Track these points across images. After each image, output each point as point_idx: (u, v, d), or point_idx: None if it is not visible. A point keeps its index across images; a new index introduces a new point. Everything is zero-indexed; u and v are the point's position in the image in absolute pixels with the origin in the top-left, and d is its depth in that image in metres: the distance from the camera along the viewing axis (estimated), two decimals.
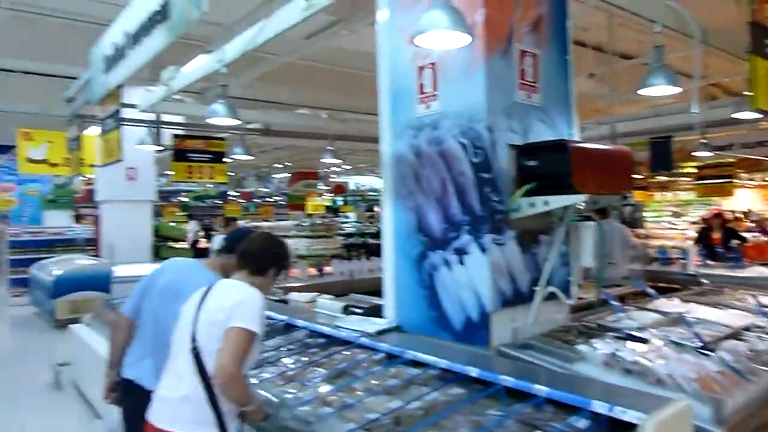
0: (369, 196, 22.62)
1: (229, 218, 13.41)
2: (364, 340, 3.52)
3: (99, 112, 5.13)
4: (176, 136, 7.95)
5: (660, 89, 4.22)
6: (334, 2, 3.15)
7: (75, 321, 8.80)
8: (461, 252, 3.35)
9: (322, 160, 8.85)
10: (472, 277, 3.29)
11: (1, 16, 7.93)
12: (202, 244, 14.32)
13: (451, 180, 3.42)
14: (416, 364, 3.09)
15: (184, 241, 11.36)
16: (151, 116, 7.40)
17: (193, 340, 2.29)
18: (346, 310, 4.31)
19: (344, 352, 3.45)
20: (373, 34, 6.69)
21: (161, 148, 7.59)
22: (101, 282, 9.01)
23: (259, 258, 2.50)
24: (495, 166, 3.25)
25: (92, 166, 12.56)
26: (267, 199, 24.43)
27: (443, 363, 2.94)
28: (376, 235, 14.20)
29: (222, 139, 8.31)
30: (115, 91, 4.32)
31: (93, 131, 13.81)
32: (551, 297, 3.54)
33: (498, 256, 3.25)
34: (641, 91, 4.26)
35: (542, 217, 3.42)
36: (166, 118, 8.36)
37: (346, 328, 3.76)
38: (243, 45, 3.71)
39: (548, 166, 3.20)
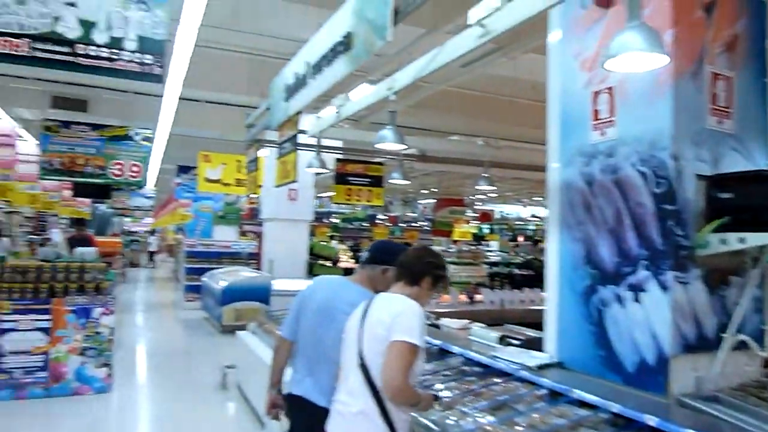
0: (516, 225, 22.13)
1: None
2: (524, 374, 3.39)
3: (277, 137, 5.56)
4: (338, 160, 8.41)
5: None
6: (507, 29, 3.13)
7: (239, 327, 9.62)
8: (637, 288, 3.10)
9: (476, 187, 8.83)
10: (649, 316, 3.03)
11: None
12: (350, 263, 14.95)
13: (628, 210, 3.20)
14: (582, 404, 2.91)
15: (338, 260, 11.90)
16: (313, 140, 8.01)
17: (360, 356, 2.35)
18: (503, 341, 4.19)
19: (503, 384, 3.35)
20: (530, 61, 6.59)
21: (328, 171, 8.04)
22: (262, 293, 9.72)
23: (413, 267, 2.51)
24: (680, 197, 2.99)
25: (260, 186, 13.73)
26: (413, 224, 24.89)
27: (615, 407, 2.73)
28: (521, 265, 13.80)
29: (380, 163, 8.65)
30: (294, 118, 4.69)
31: (262, 154, 15.16)
32: (741, 346, 3.14)
33: (681, 296, 2.96)
34: None
35: (733, 256, 3.07)
36: (325, 142, 8.96)
37: (504, 360, 3.65)
38: (414, 73, 3.82)
39: (746, 199, 2.88)
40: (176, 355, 8.24)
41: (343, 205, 27.74)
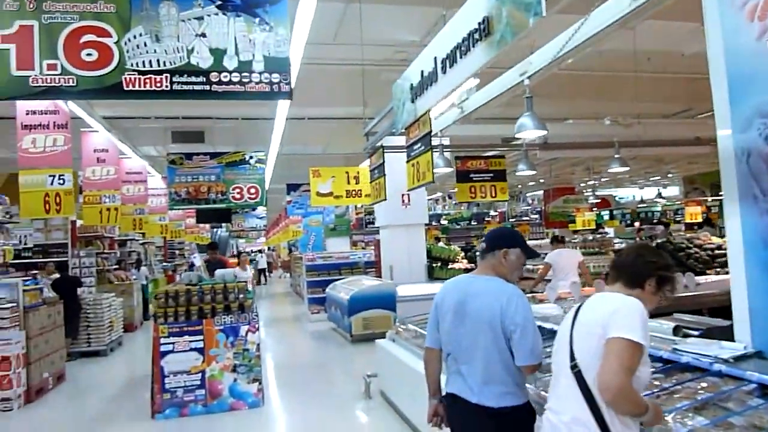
0: (639, 208, 20.68)
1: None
2: (720, 367, 3.03)
3: (404, 141, 5.48)
4: (457, 157, 8.26)
5: None
6: None
7: (369, 336, 9.71)
8: None
9: (610, 170, 8.28)
10: None
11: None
12: (463, 264, 14.69)
13: None
14: None
15: (455, 261, 11.71)
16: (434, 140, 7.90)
17: (572, 358, 2.15)
18: (678, 331, 3.80)
19: (699, 381, 3.00)
20: (645, 30, 6.02)
21: (451, 169, 7.90)
22: (388, 300, 9.73)
23: (633, 268, 2.27)
24: None
25: (367, 196, 13.84)
26: (523, 218, 24.16)
27: None
28: None
29: (502, 157, 8.39)
30: (423, 117, 4.58)
31: (366, 163, 15.33)
32: None
33: None
34: None
35: None
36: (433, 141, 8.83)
37: (691, 353, 3.30)
38: (552, 53, 3.57)
39: None
40: (314, 367, 8.40)
41: (446, 207, 27.57)
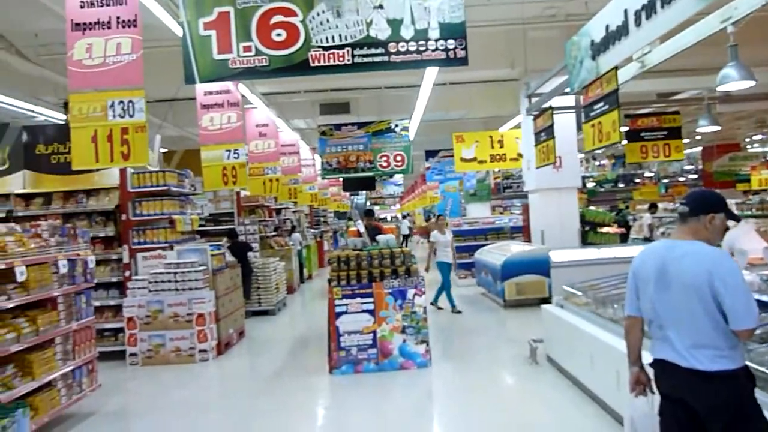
0: None
1: (652, 204, 12.73)
2: None
3: (580, 100, 5.26)
4: (626, 115, 7.78)
5: None
6: None
7: (522, 302, 9.65)
8: None
9: None
10: None
11: None
12: (613, 228, 13.93)
13: None
14: None
15: (609, 225, 11.17)
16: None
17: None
18: None
19: None
20: None
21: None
22: (541, 266, 9.53)
23: None
24: None
25: (517, 157, 13.55)
26: (678, 179, 22.35)
27: None
28: None
29: (677, 113, 7.77)
30: (608, 74, 4.35)
31: (506, 127, 14.97)
32: None
33: None
34: None
35: None
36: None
37: None
38: None
39: None
40: (471, 331, 8.53)
41: (588, 168, 26.18)
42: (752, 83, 3.96)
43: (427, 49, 4.34)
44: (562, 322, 5.79)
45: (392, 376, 6.29)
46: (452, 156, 18.68)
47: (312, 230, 19.47)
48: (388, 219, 37.52)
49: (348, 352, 6.43)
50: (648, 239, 12.06)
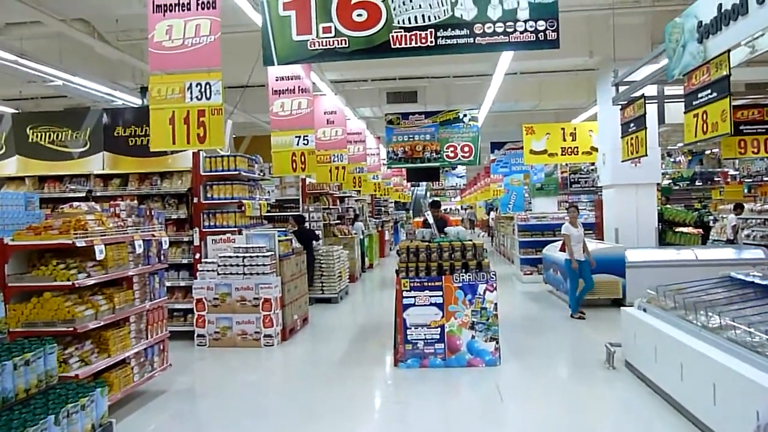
0: None
1: (738, 204, 11.91)
2: None
3: (682, 87, 4.85)
4: None
5: None
6: None
7: (594, 302, 9.20)
8: None
9: None
10: None
11: None
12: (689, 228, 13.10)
13: None
14: None
15: (690, 225, 10.53)
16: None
17: None
18: None
19: None
20: None
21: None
22: (617, 265, 9.07)
23: None
24: None
25: (590, 150, 12.99)
26: (765, 179, 20.86)
27: None
28: None
29: None
30: (718, 59, 3.96)
31: (579, 119, 14.36)
32: None
33: None
34: None
35: None
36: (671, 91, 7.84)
37: None
38: None
39: None
40: (541, 330, 8.20)
41: (663, 165, 24.89)
42: None
43: (515, 31, 4.09)
44: (645, 326, 5.42)
45: (459, 372, 6.09)
46: (519, 148, 18.23)
47: (374, 219, 19.43)
48: (450, 211, 37.19)
49: (414, 345, 6.27)
50: (732, 241, 11.30)
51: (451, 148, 12.31)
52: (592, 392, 5.58)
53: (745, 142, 6.94)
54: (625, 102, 6.65)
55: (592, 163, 19.74)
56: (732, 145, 6.99)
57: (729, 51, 3.82)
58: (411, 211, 29.50)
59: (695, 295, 5.33)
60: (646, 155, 6.05)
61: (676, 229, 10.88)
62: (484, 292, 6.24)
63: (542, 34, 4.10)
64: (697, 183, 21.24)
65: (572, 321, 8.68)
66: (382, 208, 23.14)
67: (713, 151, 22.35)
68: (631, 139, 6.24)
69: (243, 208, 8.00)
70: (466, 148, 12.32)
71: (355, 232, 14.19)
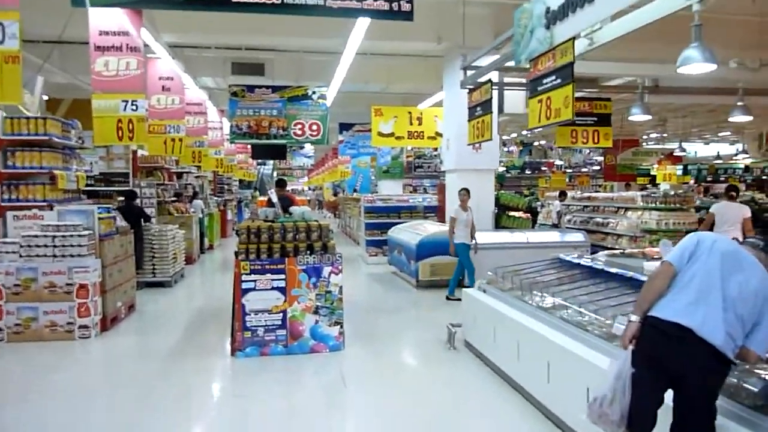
0: (717, 165, 19.33)
1: (562, 191, 12.97)
2: None
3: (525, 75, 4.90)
4: None
5: None
6: None
7: (435, 283, 9.42)
8: None
9: (731, 119, 7.57)
10: None
11: None
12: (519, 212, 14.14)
13: None
14: None
15: (521, 210, 11.25)
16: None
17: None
18: None
19: None
20: None
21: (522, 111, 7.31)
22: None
23: None
24: None
25: (435, 135, 13.32)
26: (582, 170, 23.29)
27: None
28: None
29: (608, 99, 7.72)
30: (564, 45, 4.01)
31: (426, 103, 14.69)
32: None
33: None
34: None
35: None
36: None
37: None
38: None
39: None
40: (385, 312, 8.18)
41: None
42: (713, 66, 3.81)
43: None
44: (484, 306, 5.55)
45: (302, 359, 5.80)
46: (368, 130, 18.25)
47: (215, 198, 18.34)
48: (298, 191, 36.62)
49: (254, 332, 5.84)
50: (556, 226, 12.30)
51: (299, 126, 11.85)
52: (433, 373, 5.61)
53: (576, 132, 7.46)
54: (473, 86, 6.75)
55: (435, 149, 20.52)
56: (565, 134, 7.47)
57: (574, 39, 3.93)
58: (257, 190, 28.52)
59: (530, 276, 5.56)
60: (491, 139, 6.18)
61: (510, 213, 11.62)
62: (329, 275, 5.98)
63: (396, 4, 3.88)
64: (526, 171, 23.10)
65: (415, 302, 8.82)
66: (225, 186, 21.99)
67: (541, 143, 24.44)
68: (478, 122, 6.36)
69: (55, 180, 6.89)
70: (315, 127, 11.94)
71: (194, 210, 13.21)
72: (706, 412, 2.58)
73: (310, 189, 40.30)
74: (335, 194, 30.50)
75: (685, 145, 21.36)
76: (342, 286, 6.06)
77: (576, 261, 5.65)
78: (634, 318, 2.81)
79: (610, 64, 7.23)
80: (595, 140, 7.43)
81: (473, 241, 8.55)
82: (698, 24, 3.60)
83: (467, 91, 6.92)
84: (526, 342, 4.56)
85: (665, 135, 19.81)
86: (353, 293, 9.23)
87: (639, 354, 2.70)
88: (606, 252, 6.28)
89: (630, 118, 7.45)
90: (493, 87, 6.16)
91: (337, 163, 23.68)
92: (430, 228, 10.39)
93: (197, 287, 10.70)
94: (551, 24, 3.90)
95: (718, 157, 18.68)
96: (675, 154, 17.93)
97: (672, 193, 10.47)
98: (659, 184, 18.39)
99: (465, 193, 8.84)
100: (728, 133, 19.46)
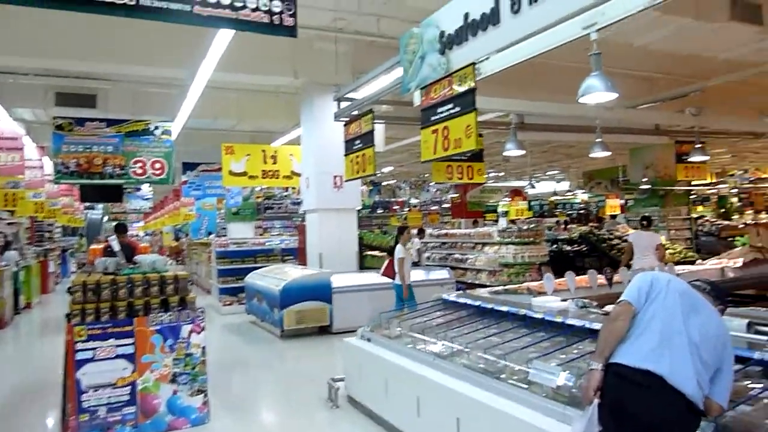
0: (557, 200, 20.96)
1: (402, 227, 12.98)
2: None
3: (418, 102, 4.56)
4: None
5: None
6: None
7: (301, 332, 8.71)
8: None
9: (591, 155, 7.99)
10: None
11: None
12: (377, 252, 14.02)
13: None
14: None
15: (384, 250, 11.02)
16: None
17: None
18: (751, 329, 3.37)
19: None
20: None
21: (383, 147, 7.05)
22: (324, 292, 8.82)
23: None
24: None
25: (291, 174, 12.73)
26: (431, 208, 24.04)
27: None
28: (570, 242, 13.08)
29: (480, 135, 7.73)
30: (465, 70, 3.73)
31: (279, 142, 14.10)
32: None
33: None
34: None
35: None
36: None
37: None
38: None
39: None
40: (252, 369, 7.31)
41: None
42: (615, 95, 3.78)
43: (245, 7, 3.23)
44: (371, 357, 5.03)
45: None
46: (214, 170, 17.14)
47: (34, 248, 15.83)
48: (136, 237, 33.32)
49: (93, 414, 4.71)
50: (416, 263, 12.26)
51: (140, 164, 10.60)
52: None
53: (452, 167, 7.40)
54: (349, 119, 6.35)
55: (286, 189, 19.88)
56: (441, 170, 7.38)
57: (474, 64, 3.69)
58: (83, 237, 25.44)
59: (418, 321, 5.18)
60: (374, 174, 5.79)
61: (372, 254, 11.36)
62: (189, 335, 5.08)
63: (278, 17, 3.35)
64: (378, 210, 23.31)
65: (284, 354, 8.05)
66: (46, 234, 19.26)
67: (390, 183, 24.95)
68: (357, 157, 5.95)
69: None
70: (158, 165, 10.77)
71: (6, 263, 11.11)
72: None
73: (146, 234, 37.04)
74: (177, 239, 28.30)
75: (522, 183, 23.15)
76: (205, 346, 5.17)
77: (462, 301, 5.40)
78: (596, 365, 2.49)
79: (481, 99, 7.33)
80: (470, 176, 7.44)
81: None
82: (597, 53, 3.57)
83: (343, 124, 6.50)
84: (427, 396, 4.12)
85: (502, 174, 21.25)
86: (210, 350, 8.19)
87: (606, 408, 2.37)
88: (488, 289, 6.14)
89: (504, 153, 7.58)
90: (375, 120, 5.80)
91: (180, 205, 21.95)
92: (293, 272, 9.70)
93: (12, 357, 8.83)
94: (446, 49, 3.64)
95: (555, 193, 20.56)
96: (526, 190, 19.29)
97: (525, 227, 10.93)
98: (501, 220, 19.68)
99: (407, 231, 8.17)
100: (556, 171, 21.46)
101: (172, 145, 10.98)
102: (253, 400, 5.97)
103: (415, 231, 12.50)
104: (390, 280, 8.00)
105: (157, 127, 10.91)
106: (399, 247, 7.74)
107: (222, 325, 10.45)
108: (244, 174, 12.50)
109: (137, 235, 34.62)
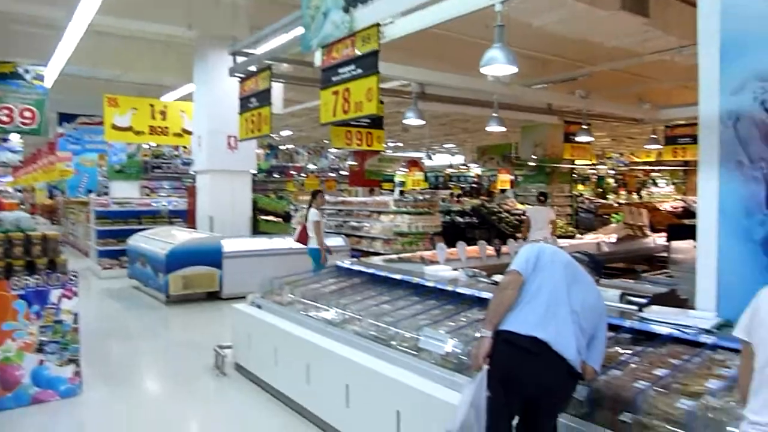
0: (452, 173, 21.38)
1: (316, 191, 12.78)
2: (706, 339, 2.87)
3: (317, 63, 4.34)
4: None
5: None
6: None
7: (188, 297, 8.34)
8: None
9: (487, 128, 8.12)
10: None
11: None
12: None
13: None
14: None
15: (280, 215, 10.75)
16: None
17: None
18: (623, 299, 3.62)
19: (694, 353, 2.82)
20: None
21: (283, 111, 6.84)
22: (213, 256, 8.49)
23: None
24: None
25: (182, 132, 12.02)
26: (329, 174, 23.81)
27: None
28: (462, 213, 13.52)
29: (381, 102, 7.56)
30: (369, 31, 3.57)
31: (170, 97, 13.23)
32: None
33: None
34: None
35: None
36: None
37: (663, 322, 3.12)
38: None
39: None
40: (133, 337, 6.87)
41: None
42: (514, 69, 3.82)
43: None
44: (262, 324, 4.90)
45: (21, 416, 4.37)
46: (95, 123, 15.84)
47: None
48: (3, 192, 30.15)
49: None
50: None
51: (5, 111, 9.50)
52: (201, 408, 4.75)
53: (351, 133, 7.27)
54: (245, 75, 6.00)
55: (176, 147, 18.81)
56: (341, 135, 7.22)
57: (379, 25, 3.57)
58: None
59: (311, 287, 5.10)
60: (270, 134, 5.53)
61: (267, 218, 11.04)
62: (60, 300, 4.65)
63: None
64: (274, 175, 22.76)
65: (168, 321, 7.68)
66: None
67: (288, 147, 24.39)
68: (252, 115, 5.65)
69: None
70: (28, 113, 9.71)
71: None
72: (553, 430, 2.43)
73: (16, 190, 33.81)
74: (51, 196, 26.12)
75: (419, 154, 23.53)
76: (78, 313, 4.77)
77: (356, 268, 5.39)
78: (486, 332, 2.54)
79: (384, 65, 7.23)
80: (369, 143, 7.36)
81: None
82: (501, 25, 3.58)
83: (239, 80, 6.13)
84: (317, 363, 4.07)
85: (401, 144, 21.47)
86: (86, 316, 7.63)
87: (495, 374, 2.43)
88: (382, 257, 6.17)
89: (404, 121, 7.55)
90: (273, 77, 5.50)
91: (55, 160, 20.10)
92: (181, 235, 9.23)
93: None
94: (351, 6, 3.50)
95: (451, 166, 21.12)
96: (422, 161, 19.57)
97: (421, 198, 11.12)
98: (397, 190, 19.96)
99: (322, 195, 8.17)
100: (452, 145, 22.02)
101: (45, 92, 9.92)
102: (132, 370, 5.62)
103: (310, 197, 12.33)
104: (279, 246, 7.84)
105: (27, 71, 9.81)
106: (313, 210, 7.69)
107: (101, 289, 9.77)
108: (129, 129, 11.63)
109: (5, 192, 31.53)
